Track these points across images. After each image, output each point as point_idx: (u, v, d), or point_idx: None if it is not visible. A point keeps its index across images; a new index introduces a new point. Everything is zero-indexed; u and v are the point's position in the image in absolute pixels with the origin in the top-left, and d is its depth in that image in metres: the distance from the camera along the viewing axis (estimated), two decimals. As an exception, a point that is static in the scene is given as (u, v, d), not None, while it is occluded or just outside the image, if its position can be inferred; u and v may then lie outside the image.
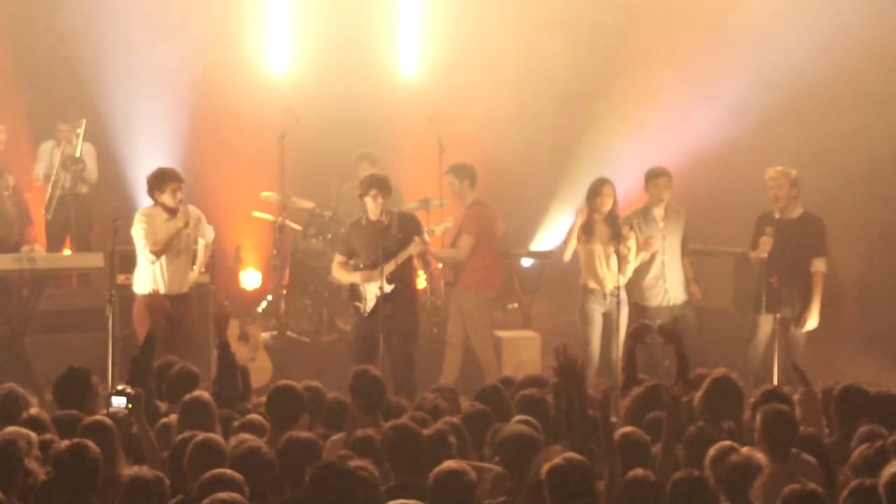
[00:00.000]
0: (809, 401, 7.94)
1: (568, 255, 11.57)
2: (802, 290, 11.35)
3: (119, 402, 7.17)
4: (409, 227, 10.94)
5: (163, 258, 10.63)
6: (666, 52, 14.05)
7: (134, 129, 13.96)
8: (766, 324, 11.37)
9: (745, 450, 6.52)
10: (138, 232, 10.67)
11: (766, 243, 11.25)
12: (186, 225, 10.64)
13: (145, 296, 10.59)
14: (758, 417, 7.12)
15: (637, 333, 8.52)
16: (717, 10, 13.92)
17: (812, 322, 11.41)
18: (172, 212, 10.68)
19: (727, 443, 6.61)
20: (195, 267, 10.98)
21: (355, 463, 6.43)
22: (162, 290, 10.57)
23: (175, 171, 10.82)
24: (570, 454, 6.37)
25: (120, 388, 7.32)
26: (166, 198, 10.64)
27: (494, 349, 12.44)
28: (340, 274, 11.20)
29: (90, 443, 6.48)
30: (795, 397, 8.01)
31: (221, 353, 8.62)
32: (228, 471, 6.34)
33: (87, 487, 6.37)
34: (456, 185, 12.23)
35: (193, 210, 10.86)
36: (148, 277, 10.71)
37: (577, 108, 14.08)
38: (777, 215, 11.38)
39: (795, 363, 8.31)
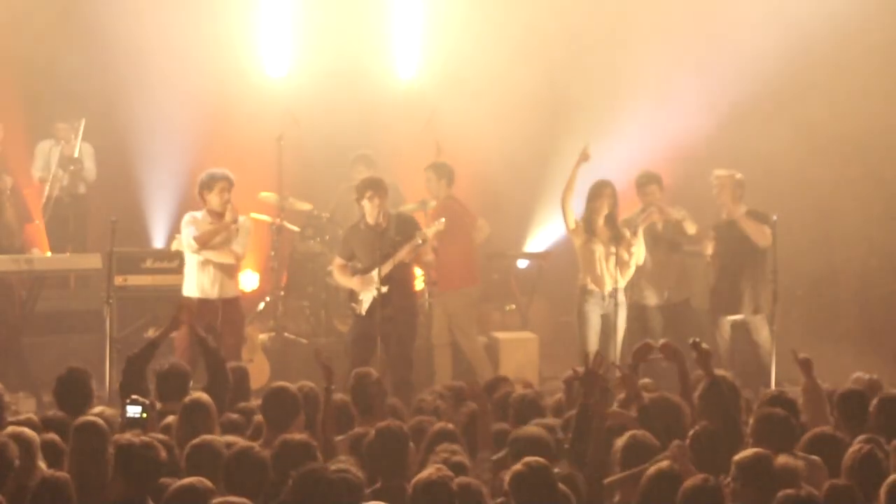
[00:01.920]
0: (813, 392, 7.91)
1: (571, 223, 11.45)
2: (757, 286, 11.53)
3: (134, 410, 7.29)
4: (407, 229, 10.96)
5: (197, 264, 10.69)
6: (663, 54, 14.06)
7: (133, 130, 13.96)
8: (726, 324, 11.69)
9: (781, 458, 6.44)
10: (184, 233, 10.78)
11: (706, 247, 11.61)
12: (235, 221, 10.69)
13: (184, 298, 10.68)
14: (751, 420, 7.11)
15: (640, 352, 8.44)
16: (713, 11, 13.95)
17: (690, 227, 11.56)
18: (218, 216, 10.74)
19: (761, 451, 6.49)
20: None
21: (337, 466, 6.44)
22: (197, 294, 10.68)
23: (225, 171, 10.86)
24: (531, 458, 6.34)
25: (134, 397, 7.42)
26: (213, 197, 10.70)
27: (492, 351, 12.45)
28: (340, 278, 11.24)
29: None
30: (799, 388, 7.99)
31: (201, 347, 8.67)
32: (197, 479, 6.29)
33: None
34: (433, 181, 12.33)
35: (245, 221, 10.94)
36: (189, 280, 10.81)
37: (576, 110, 14.07)
38: (724, 216, 11.67)
39: (800, 354, 8.17)
